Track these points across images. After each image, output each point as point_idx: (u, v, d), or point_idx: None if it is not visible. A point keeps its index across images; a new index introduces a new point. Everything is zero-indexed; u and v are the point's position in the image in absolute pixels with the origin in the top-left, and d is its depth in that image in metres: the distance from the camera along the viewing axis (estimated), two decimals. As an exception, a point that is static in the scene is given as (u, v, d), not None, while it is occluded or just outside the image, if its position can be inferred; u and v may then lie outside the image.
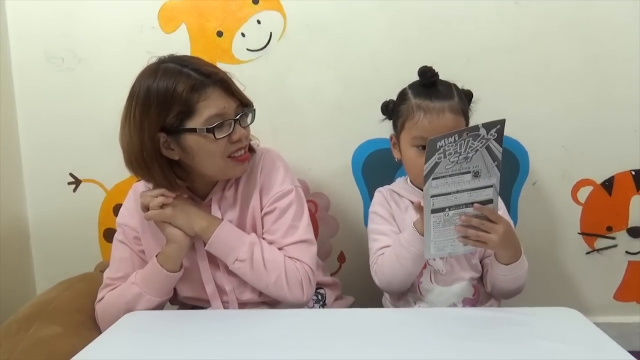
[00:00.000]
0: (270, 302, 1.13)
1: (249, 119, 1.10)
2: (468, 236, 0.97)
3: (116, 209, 1.52)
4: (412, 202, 1.19)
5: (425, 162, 0.89)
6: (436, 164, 0.89)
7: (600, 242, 1.50)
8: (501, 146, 0.92)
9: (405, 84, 1.22)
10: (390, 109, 1.22)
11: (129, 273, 1.13)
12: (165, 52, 1.42)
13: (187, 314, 1.09)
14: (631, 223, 1.48)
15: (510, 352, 0.82)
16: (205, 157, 1.05)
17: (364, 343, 0.87)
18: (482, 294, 1.15)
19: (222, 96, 1.04)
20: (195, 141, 1.03)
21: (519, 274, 1.05)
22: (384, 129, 1.34)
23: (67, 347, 0.93)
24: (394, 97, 1.24)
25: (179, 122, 1.02)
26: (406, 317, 0.97)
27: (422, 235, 1.03)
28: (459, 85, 1.19)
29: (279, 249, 1.11)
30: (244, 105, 1.10)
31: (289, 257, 1.09)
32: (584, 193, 1.47)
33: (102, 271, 1.38)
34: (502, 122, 0.90)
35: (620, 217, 1.48)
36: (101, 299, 1.13)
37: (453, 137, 0.88)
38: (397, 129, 1.19)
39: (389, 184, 1.29)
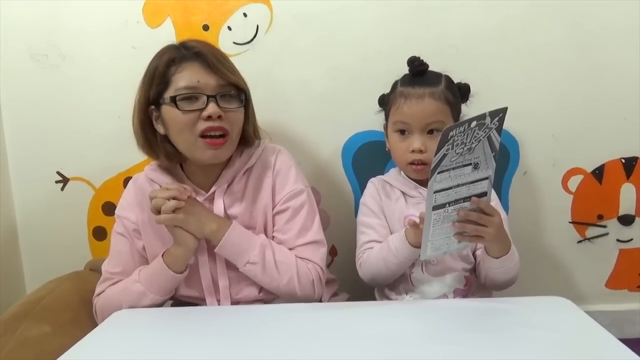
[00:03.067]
0: (266, 299, 1.12)
1: (234, 103, 1.07)
2: (465, 232, 0.95)
3: (105, 207, 1.51)
4: (404, 194, 1.20)
5: (436, 154, 0.85)
6: (444, 156, 0.85)
7: (591, 231, 1.50)
8: (500, 135, 0.90)
9: (394, 75, 1.22)
10: (384, 101, 1.24)
11: (129, 267, 1.12)
12: (150, 47, 1.41)
13: (178, 311, 1.08)
14: (622, 211, 1.48)
15: (500, 341, 0.82)
16: (175, 130, 1.05)
17: (356, 336, 0.87)
18: (474, 284, 1.15)
19: (198, 70, 1.04)
20: (166, 112, 1.05)
21: (510, 266, 1.04)
22: (374, 121, 1.34)
23: (56, 347, 0.92)
24: (383, 88, 1.25)
25: (158, 94, 1.05)
26: (397, 309, 0.96)
27: (412, 246, 1.04)
28: (453, 77, 1.19)
29: (290, 248, 1.11)
30: (238, 89, 1.08)
31: (301, 258, 1.09)
32: (574, 182, 1.47)
33: (92, 269, 1.38)
34: (504, 111, 0.88)
35: (611, 205, 1.48)
36: (100, 293, 1.12)
37: (463, 127, 0.84)
38: (386, 117, 1.21)
39: (381, 175, 1.29)
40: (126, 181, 1.48)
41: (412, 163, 1.15)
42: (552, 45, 1.40)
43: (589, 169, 1.46)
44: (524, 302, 0.98)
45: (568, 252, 1.51)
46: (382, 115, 1.25)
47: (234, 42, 1.42)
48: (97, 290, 1.13)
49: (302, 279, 1.07)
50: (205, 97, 1.03)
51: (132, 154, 1.44)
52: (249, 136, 1.14)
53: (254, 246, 1.06)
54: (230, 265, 1.10)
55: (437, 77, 1.16)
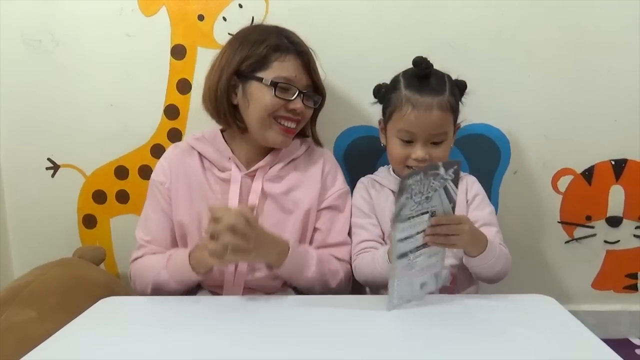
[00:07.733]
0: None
1: (312, 103, 1.18)
2: (437, 242, 0.95)
3: (95, 195, 1.50)
4: (394, 192, 1.20)
5: (396, 202, 0.86)
6: (404, 205, 0.87)
7: (579, 231, 1.51)
8: (457, 187, 0.93)
9: (388, 70, 1.21)
10: (382, 94, 1.21)
11: (157, 235, 1.17)
12: (145, 36, 1.41)
13: (165, 300, 1.08)
14: (610, 212, 1.49)
15: (483, 338, 0.83)
16: (257, 107, 1.12)
17: (341, 333, 0.87)
18: (461, 281, 1.15)
19: (297, 67, 1.14)
20: (257, 89, 1.12)
21: (491, 262, 1.04)
22: (367, 116, 1.34)
23: (41, 332, 0.91)
24: (376, 83, 1.23)
25: (252, 69, 1.13)
26: (382, 305, 0.96)
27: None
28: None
29: (328, 244, 1.18)
30: (317, 92, 1.19)
31: (337, 258, 1.16)
32: (564, 182, 1.48)
33: (81, 257, 1.37)
34: (458, 163, 0.90)
35: (599, 207, 1.49)
36: (136, 259, 1.17)
37: (419, 176, 0.86)
38: (386, 116, 1.19)
39: (371, 172, 1.29)
40: (117, 169, 1.48)
41: (409, 166, 1.15)
42: (546, 46, 1.40)
43: (579, 170, 1.47)
44: (508, 299, 0.98)
45: (556, 251, 1.53)
46: (376, 110, 1.24)
47: (229, 33, 1.39)
48: (133, 256, 1.18)
49: (342, 283, 1.15)
50: (296, 91, 1.13)
51: (124, 142, 1.46)
52: (305, 131, 1.25)
53: (312, 262, 1.10)
54: None
55: (442, 81, 1.14)
